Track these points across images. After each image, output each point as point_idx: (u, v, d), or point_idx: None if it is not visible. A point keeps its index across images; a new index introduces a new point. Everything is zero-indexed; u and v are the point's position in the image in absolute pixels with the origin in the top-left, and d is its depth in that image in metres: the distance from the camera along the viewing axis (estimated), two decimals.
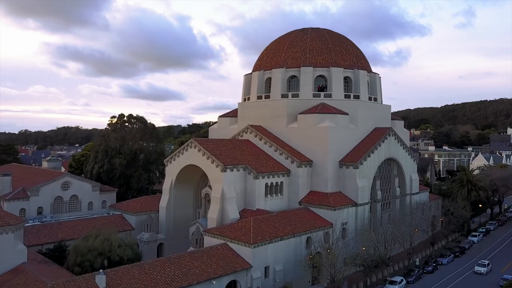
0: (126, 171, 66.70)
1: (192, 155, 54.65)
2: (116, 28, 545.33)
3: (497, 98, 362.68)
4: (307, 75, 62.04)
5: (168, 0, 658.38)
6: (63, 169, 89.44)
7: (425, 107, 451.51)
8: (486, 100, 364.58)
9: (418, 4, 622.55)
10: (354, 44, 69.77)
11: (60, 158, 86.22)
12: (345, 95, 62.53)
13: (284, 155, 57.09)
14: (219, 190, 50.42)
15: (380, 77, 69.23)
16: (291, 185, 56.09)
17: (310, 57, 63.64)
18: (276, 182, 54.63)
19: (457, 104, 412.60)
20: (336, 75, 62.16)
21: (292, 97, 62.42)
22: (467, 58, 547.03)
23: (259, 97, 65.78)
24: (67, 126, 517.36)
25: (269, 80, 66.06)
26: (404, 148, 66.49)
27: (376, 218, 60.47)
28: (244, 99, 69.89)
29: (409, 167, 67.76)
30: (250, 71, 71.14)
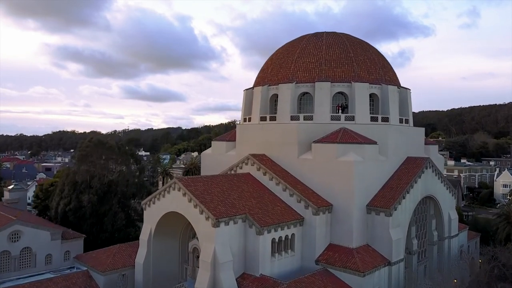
0: (99, 209, 53.95)
1: (175, 200, 41.80)
2: (116, 29, 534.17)
3: (506, 102, 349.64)
4: (324, 92, 49.17)
5: (168, 1, 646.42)
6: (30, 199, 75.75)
7: (430, 110, 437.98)
8: (496, 104, 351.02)
9: (422, 5, 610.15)
10: (379, 52, 56.88)
11: (25, 187, 73.49)
12: (371, 117, 49.64)
13: (295, 197, 44.23)
14: (209, 252, 37.51)
15: (410, 92, 56.36)
16: (305, 238, 43.22)
17: (327, 69, 50.78)
18: (286, 236, 41.77)
19: (464, 108, 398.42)
20: (360, 92, 49.29)
21: (304, 119, 49.56)
22: (470, 59, 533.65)
23: (263, 118, 52.94)
24: (63, 131, 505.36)
25: (275, 97, 53.27)
26: (442, 182, 53.60)
27: (412, 274, 47.65)
28: (245, 119, 57.01)
29: (448, 203, 54.90)
30: (252, 81, 58.38)
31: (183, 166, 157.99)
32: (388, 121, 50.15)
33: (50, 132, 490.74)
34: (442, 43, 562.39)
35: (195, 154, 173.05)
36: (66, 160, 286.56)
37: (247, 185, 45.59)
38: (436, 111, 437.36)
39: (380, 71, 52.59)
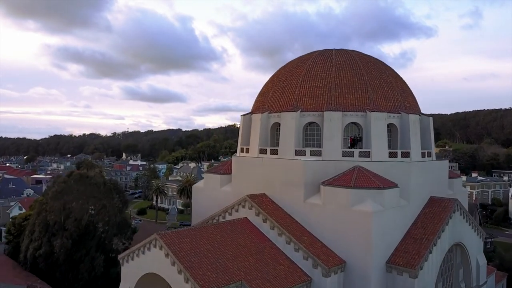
0: (74, 254, 46.74)
1: (157, 260, 34.49)
2: (117, 29, 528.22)
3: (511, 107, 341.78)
4: (334, 124, 41.90)
5: (169, 1, 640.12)
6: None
7: (433, 114, 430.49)
8: (501, 109, 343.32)
9: (424, 5, 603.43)
10: (396, 74, 49.63)
11: (7, 210, 65.40)
12: (389, 152, 42.36)
13: (302, 252, 36.97)
14: None
15: (432, 120, 49.13)
16: None
17: (337, 96, 43.51)
18: None
19: (468, 112, 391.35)
20: (377, 124, 42.00)
21: (311, 155, 42.27)
22: (472, 60, 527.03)
23: (263, 151, 45.66)
24: (60, 135, 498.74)
25: (276, 126, 46.07)
26: (470, 224, 46.36)
27: None
28: (242, 149, 49.76)
29: (476, 248, 47.68)
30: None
31: (180, 179, 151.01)
32: (409, 157, 42.87)
33: (49, 136, 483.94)
34: (444, 44, 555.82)
35: (192, 165, 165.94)
36: (62, 166, 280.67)
37: (244, 237, 38.30)
38: (439, 114, 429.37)
39: (398, 96, 45.33)
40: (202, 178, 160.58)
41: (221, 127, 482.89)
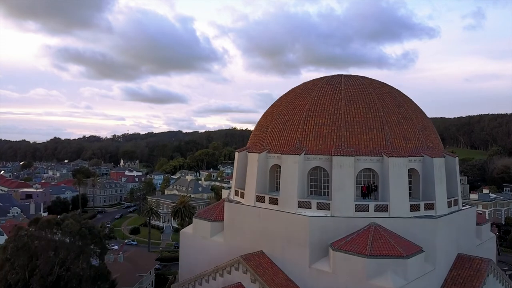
0: None
1: None
2: (118, 30, 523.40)
3: None
4: (345, 171, 35.14)
5: (170, 1, 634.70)
6: None
7: (436, 117, 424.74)
8: (507, 114, 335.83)
9: (427, 6, 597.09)
10: (415, 105, 42.90)
11: None
12: (411, 205, 35.54)
13: None
14: None
15: (458, 160, 42.37)
16: None
17: (348, 136, 36.76)
18: None
19: (472, 116, 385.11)
20: (396, 171, 35.22)
21: (318, 208, 35.50)
22: (473, 61, 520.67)
23: (260, 198, 38.91)
24: (59, 138, 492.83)
25: (276, 168, 39.37)
26: (504, 284, 39.55)
27: None
28: (236, 193, 43.00)
29: None
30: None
31: (176, 193, 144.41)
32: (433, 209, 36.11)
33: (49, 139, 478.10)
34: (446, 44, 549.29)
35: (189, 178, 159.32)
36: (58, 174, 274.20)
37: None
38: (442, 118, 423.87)
39: (420, 135, 38.57)
40: (199, 191, 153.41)
41: (221, 129, 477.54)
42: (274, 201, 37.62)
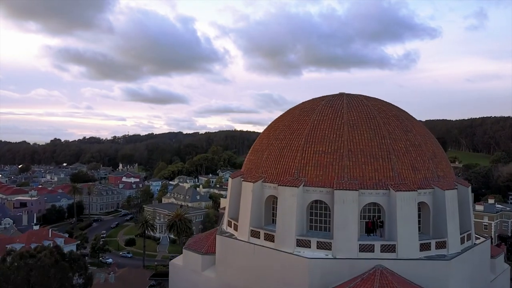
0: None
1: None
2: (119, 31, 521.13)
3: None
4: (348, 207, 31.76)
5: (171, 2, 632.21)
6: None
7: (438, 119, 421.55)
8: (510, 117, 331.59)
9: (428, 6, 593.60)
10: (424, 129, 39.52)
11: None
12: (420, 245, 32.14)
13: None
14: None
15: (470, 189, 39.02)
16: None
17: (352, 166, 33.40)
18: None
19: (475, 119, 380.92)
20: (404, 206, 31.85)
21: (318, 247, 32.15)
22: (475, 61, 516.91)
23: (255, 233, 35.52)
24: (58, 139, 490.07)
25: (272, 199, 36.03)
26: None
27: None
28: (229, 223, 39.64)
29: None
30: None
31: (174, 201, 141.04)
32: (445, 247, 32.76)
33: (50, 139, 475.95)
34: (448, 44, 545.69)
35: (186, 185, 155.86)
36: (56, 178, 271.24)
37: None
38: (443, 120, 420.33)
39: (430, 164, 35.20)
40: (197, 199, 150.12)
41: (222, 130, 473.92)
42: (270, 238, 34.25)
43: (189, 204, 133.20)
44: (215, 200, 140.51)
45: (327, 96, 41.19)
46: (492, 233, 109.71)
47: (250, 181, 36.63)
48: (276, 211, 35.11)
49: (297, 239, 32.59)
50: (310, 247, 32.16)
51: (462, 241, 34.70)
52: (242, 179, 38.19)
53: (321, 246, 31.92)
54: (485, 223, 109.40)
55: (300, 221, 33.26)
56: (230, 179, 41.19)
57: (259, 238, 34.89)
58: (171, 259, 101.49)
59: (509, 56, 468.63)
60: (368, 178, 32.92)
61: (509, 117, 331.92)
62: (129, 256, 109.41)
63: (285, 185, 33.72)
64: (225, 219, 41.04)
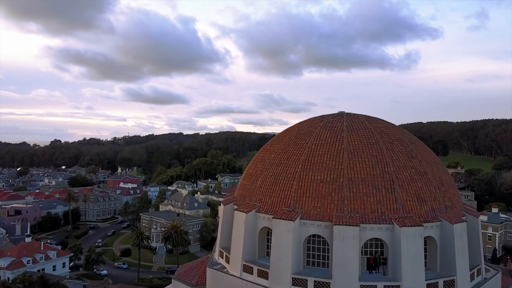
0: None
1: None
2: (119, 31, 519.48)
3: None
4: (348, 243, 29.12)
5: (171, 2, 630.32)
6: None
7: (439, 121, 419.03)
8: None
9: (429, 7, 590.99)
10: (430, 153, 36.87)
11: None
12: (427, 285, 29.51)
13: None
14: None
15: (480, 220, 36.34)
16: None
17: (352, 197, 30.77)
18: None
19: (476, 121, 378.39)
20: (410, 243, 29.23)
21: (315, 286, 29.55)
22: (476, 61, 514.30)
23: (247, 269, 32.91)
24: (59, 141, 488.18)
25: (266, 230, 33.43)
26: None
27: None
28: (221, 254, 37.01)
29: None
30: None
31: (171, 209, 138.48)
32: (454, 286, 30.10)
33: (50, 139, 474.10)
34: (449, 45, 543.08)
35: (184, 192, 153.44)
36: (54, 182, 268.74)
37: None
38: (445, 122, 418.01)
39: (436, 192, 32.55)
40: (195, 207, 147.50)
41: (222, 131, 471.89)
42: (263, 274, 31.61)
43: (187, 212, 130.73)
44: (213, 207, 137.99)
45: (326, 116, 38.59)
46: (496, 244, 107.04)
47: (243, 211, 34.00)
48: (270, 243, 32.54)
49: (292, 277, 29.97)
50: (307, 286, 29.52)
51: (472, 277, 32.07)
52: (235, 208, 35.58)
53: (318, 285, 29.28)
54: (489, 234, 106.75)
55: (297, 257, 30.65)
56: (222, 206, 38.57)
57: (252, 274, 32.27)
58: (168, 271, 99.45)
59: (510, 57, 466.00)
60: (370, 211, 30.29)
61: (511, 119, 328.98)
62: (124, 267, 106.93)
63: (280, 218, 31.09)
64: (217, 248, 38.43)
